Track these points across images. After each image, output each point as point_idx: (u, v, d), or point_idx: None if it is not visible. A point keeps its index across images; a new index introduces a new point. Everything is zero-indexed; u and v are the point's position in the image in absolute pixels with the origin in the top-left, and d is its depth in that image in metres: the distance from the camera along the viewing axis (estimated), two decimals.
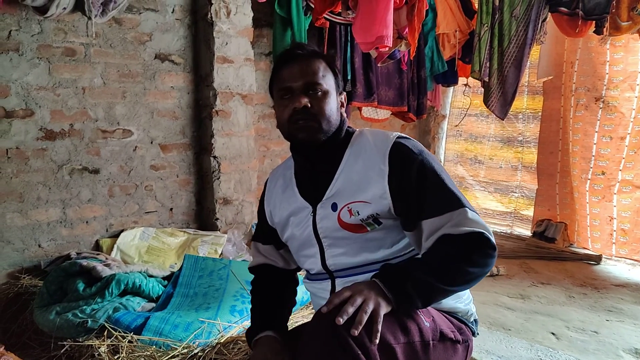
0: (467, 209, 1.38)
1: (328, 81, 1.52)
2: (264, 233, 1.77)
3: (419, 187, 1.41)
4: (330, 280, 1.55)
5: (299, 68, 1.50)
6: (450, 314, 1.51)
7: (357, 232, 1.46)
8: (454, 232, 1.35)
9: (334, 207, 1.49)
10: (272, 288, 1.73)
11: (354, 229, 1.46)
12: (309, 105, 1.47)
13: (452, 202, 1.39)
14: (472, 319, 1.58)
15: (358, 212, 1.44)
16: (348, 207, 1.46)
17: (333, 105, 1.52)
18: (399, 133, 1.53)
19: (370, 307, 1.25)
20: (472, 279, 1.35)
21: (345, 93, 1.63)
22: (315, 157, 1.55)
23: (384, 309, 1.28)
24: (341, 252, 1.50)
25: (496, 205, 5.30)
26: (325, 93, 1.50)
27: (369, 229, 1.45)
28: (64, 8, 2.82)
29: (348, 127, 1.60)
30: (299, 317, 2.59)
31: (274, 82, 1.57)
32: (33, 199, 3.03)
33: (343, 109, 1.60)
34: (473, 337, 1.57)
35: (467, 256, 1.33)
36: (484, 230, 1.35)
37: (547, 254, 4.28)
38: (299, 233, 1.58)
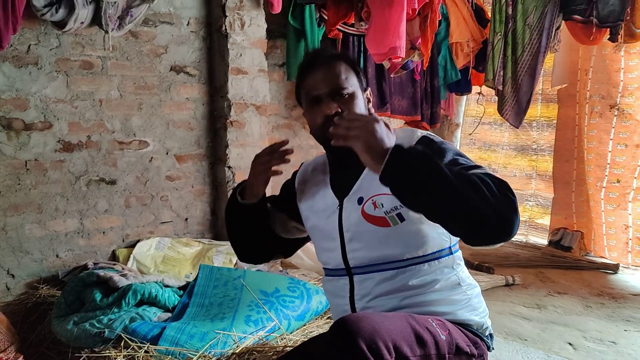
0: (495, 174, 1.35)
1: (352, 82, 1.55)
2: (277, 198, 1.81)
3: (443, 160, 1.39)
4: (348, 277, 1.55)
5: (322, 75, 1.53)
6: (466, 327, 1.50)
7: (379, 225, 1.47)
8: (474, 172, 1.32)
9: (360, 200, 1.51)
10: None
11: (376, 222, 1.47)
12: (340, 110, 1.50)
13: (469, 164, 1.39)
14: (487, 333, 1.57)
15: (382, 205, 1.46)
16: (373, 200, 1.48)
17: (361, 105, 1.55)
18: (428, 132, 1.55)
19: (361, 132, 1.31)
20: (480, 199, 1.24)
21: (370, 89, 1.65)
22: (348, 155, 1.57)
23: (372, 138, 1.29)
24: (360, 247, 1.51)
25: None
26: (352, 95, 1.53)
27: (391, 224, 1.46)
28: (82, 22, 2.88)
29: None
30: (314, 327, 2.60)
31: (301, 90, 1.60)
32: (51, 210, 3.08)
33: (370, 105, 1.62)
34: (488, 352, 1.56)
35: (486, 180, 1.27)
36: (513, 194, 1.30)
37: (564, 263, 4.24)
38: (323, 225, 1.60)
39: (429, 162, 1.27)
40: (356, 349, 1.21)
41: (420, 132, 1.53)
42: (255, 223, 1.71)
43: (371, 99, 1.64)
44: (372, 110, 1.62)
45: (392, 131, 1.38)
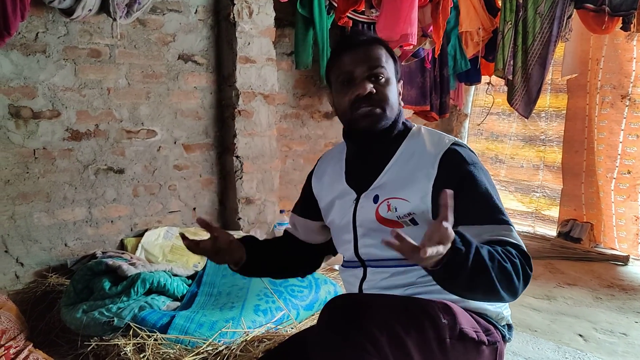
0: (511, 226, 1.34)
1: (390, 68, 1.50)
2: (302, 206, 1.77)
3: (464, 195, 1.33)
4: (362, 268, 1.53)
5: (361, 54, 1.48)
6: (479, 314, 1.46)
7: (392, 227, 1.43)
8: (499, 239, 1.30)
9: (376, 199, 1.47)
10: (281, 244, 1.76)
11: (389, 224, 1.44)
12: (373, 91, 1.45)
13: (497, 215, 1.35)
14: (503, 323, 1.52)
15: (396, 209, 1.43)
16: (388, 202, 1.44)
17: (395, 92, 1.51)
18: (455, 138, 1.50)
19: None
20: (507, 287, 1.25)
21: (402, 81, 1.60)
22: (371, 146, 1.54)
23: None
24: (372, 244, 1.49)
25: (517, 205, 5.22)
26: (388, 80, 1.48)
27: (404, 226, 1.43)
28: (90, 10, 2.86)
29: (406, 120, 1.58)
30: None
31: (332, 68, 1.54)
32: (59, 199, 3.07)
33: (400, 98, 1.57)
34: (505, 342, 1.51)
35: (514, 260, 1.26)
36: (525, 249, 1.31)
37: (573, 254, 4.21)
38: (339, 219, 1.58)
39: (476, 266, 1.18)
40: (346, 329, 1.19)
41: (448, 141, 1.47)
42: (271, 263, 1.69)
43: (401, 92, 1.58)
44: (402, 105, 1.57)
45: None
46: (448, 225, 1.11)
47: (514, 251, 1.28)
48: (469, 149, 1.50)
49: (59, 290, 2.78)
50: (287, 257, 1.74)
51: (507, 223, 1.34)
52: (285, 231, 1.83)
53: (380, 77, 1.47)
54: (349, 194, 1.55)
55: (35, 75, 2.95)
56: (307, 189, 1.75)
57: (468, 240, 1.19)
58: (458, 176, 1.39)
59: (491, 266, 1.21)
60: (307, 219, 1.74)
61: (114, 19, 2.94)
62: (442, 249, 1.10)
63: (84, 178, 3.13)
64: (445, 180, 1.38)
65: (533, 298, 3.33)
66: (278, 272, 1.76)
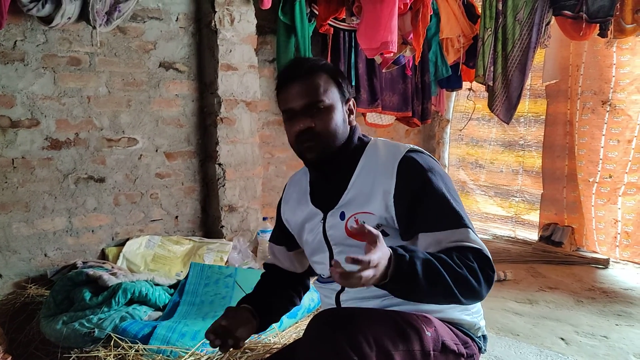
0: (469, 229, 1.36)
1: (331, 94, 1.49)
2: (278, 234, 1.79)
3: (421, 201, 1.38)
4: None
5: (298, 88, 1.48)
6: (456, 326, 1.48)
7: (365, 240, 1.45)
8: (458, 245, 1.33)
9: (342, 216, 1.49)
10: (272, 282, 1.77)
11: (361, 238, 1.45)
12: (313, 125, 1.46)
13: (455, 220, 1.37)
14: (479, 334, 1.54)
15: (364, 223, 1.44)
16: (355, 217, 1.46)
17: (338, 118, 1.50)
18: (411, 146, 1.51)
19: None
20: (468, 291, 1.28)
21: (353, 99, 1.61)
22: (328, 169, 1.56)
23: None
24: None
25: (496, 209, 5.27)
26: (329, 108, 1.48)
27: None
28: (69, 18, 2.83)
29: (362, 135, 1.59)
30: (306, 324, 2.58)
31: (279, 102, 1.56)
32: (39, 209, 3.03)
33: (353, 116, 1.58)
34: (480, 354, 1.53)
35: (470, 265, 1.28)
36: (486, 251, 1.33)
37: (555, 258, 4.25)
38: (311, 239, 1.59)
39: (426, 275, 1.21)
40: (336, 343, 1.20)
41: (404, 149, 1.49)
42: (277, 306, 1.72)
43: (354, 110, 1.59)
44: (355, 123, 1.58)
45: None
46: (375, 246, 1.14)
47: (470, 255, 1.30)
48: (426, 153, 1.52)
49: (39, 301, 2.75)
50: (282, 292, 1.75)
51: (465, 226, 1.36)
52: (268, 265, 1.83)
53: (320, 108, 1.47)
54: (317, 214, 1.57)
55: (13, 84, 2.92)
56: (279, 216, 1.78)
57: (411, 249, 1.23)
58: (416, 183, 1.41)
59: (445, 270, 1.23)
60: (284, 246, 1.76)
61: (94, 27, 2.92)
62: (374, 272, 1.11)
63: (64, 187, 3.10)
64: (404, 188, 1.41)
65: (515, 302, 3.35)
66: (284, 309, 1.76)
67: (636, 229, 4.05)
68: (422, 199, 1.38)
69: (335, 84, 1.52)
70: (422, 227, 1.37)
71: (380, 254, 1.14)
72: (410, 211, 1.39)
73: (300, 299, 1.81)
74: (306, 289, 1.83)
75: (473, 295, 1.29)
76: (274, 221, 1.84)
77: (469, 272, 1.26)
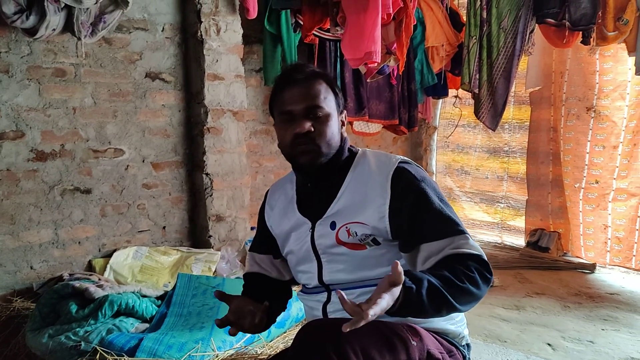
0: (467, 235, 1.40)
1: (329, 103, 1.52)
2: (261, 243, 1.77)
3: (419, 213, 1.42)
4: (327, 292, 1.54)
5: (299, 91, 1.49)
6: (440, 335, 1.49)
7: (355, 249, 1.47)
8: (458, 252, 1.36)
9: (333, 225, 1.49)
10: (262, 284, 1.75)
11: (352, 247, 1.47)
12: (312, 129, 1.47)
13: (453, 227, 1.41)
14: (464, 343, 1.56)
15: (356, 233, 1.46)
16: (346, 227, 1.47)
17: (334, 127, 1.52)
18: (401, 157, 1.53)
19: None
20: (470, 301, 1.34)
21: (345, 112, 1.63)
22: (317, 178, 1.56)
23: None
24: (340, 269, 1.50)
25: (483, 215, 5.30)
26: (327, 116, 1.50)
27: (367, 247, 1.46)
28: (54, 29, 2.83)
29: (351, 146, 1.61)
30: (294, 334, 2.58)
31: (275, 103, 1.56)
32: (24, 221, 3.01)
33: (344, 128, 1.60)
34: None
35: (471, 275, 1.33)
36: (484, 256, 1.38)
37: (541, 263, 4.28)
38: (298, 248, 1.59)
39: (433, 298, 1.25)
40: (324, 354, 1.20)
41: (395, 160, 1.51)
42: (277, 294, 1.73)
43: (345, 122, 1.61)
44: (345, 135, 1.60)
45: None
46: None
47: (471, 264, 1.35)
48: (415, 164, 1.54)
49: (24, 314, 2.72)
50: (274, 284, 1.76)
51: (462, 232, 1.40)
52: (250, 275, 1.79)
53: (319, 114, 1.49)
54: (305, 224, 1.57)
55: None
56: (261, 223, 1.77)
57: (418, 277, 1.25)
58: (411, 197, 1.43)
59: (448, 292, 1.27)
60: (269, 255, 1.75)
61: (79, 38, 2.91)
62: (385, 304, 1.14)
63: (49, 199, 3.08)
64: (400, 200, 1.43)
65: (502, 308, 3.37)
66: (284, 295, 1.77)
67: (628, 234, 4.09)
68: (420, 212, 1.42)
69: (333, 94, 1.55)
70: (423, 238, 1.40)
71: (391, 297, 1.17)
72: (409, 225, 1.42)
73: (286, 301, 1.78)
74: (289, 295, 1.80)
75: (473, 302, 1.35)
76: (249, 254, 1.81)
77: (471, 283, 1.31)
